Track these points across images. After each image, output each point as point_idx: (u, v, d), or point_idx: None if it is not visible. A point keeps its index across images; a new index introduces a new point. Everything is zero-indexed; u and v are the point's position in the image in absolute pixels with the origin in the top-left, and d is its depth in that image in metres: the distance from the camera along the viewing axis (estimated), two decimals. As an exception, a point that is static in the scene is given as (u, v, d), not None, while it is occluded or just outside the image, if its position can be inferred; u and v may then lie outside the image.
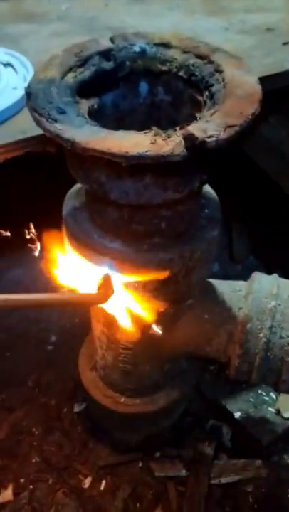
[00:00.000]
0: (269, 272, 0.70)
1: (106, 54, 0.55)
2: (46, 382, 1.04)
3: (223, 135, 0.43)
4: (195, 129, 0.44)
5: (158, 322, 0.61)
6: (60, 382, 1.03)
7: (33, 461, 0.92)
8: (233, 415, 0.95)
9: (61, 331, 1.14)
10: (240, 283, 0.71)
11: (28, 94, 0.47)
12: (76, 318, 1.16)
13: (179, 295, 0.63)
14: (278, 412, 0.94)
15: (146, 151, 0.42)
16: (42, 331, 1.14)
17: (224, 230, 1.26)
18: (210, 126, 0.44)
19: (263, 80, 0.67)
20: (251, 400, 0.97)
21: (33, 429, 0.96)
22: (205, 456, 0.93)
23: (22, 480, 0.89)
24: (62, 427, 0.97)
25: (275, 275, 0.70)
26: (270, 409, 0.95)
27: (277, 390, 0.71)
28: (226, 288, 0.70)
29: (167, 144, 0.43)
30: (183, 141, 0.43)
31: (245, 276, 0.70)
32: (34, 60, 0.73)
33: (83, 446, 0.94)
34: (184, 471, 0.90)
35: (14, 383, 1.03)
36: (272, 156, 1.02)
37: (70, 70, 0.51)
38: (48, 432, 0.96)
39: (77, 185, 0.62)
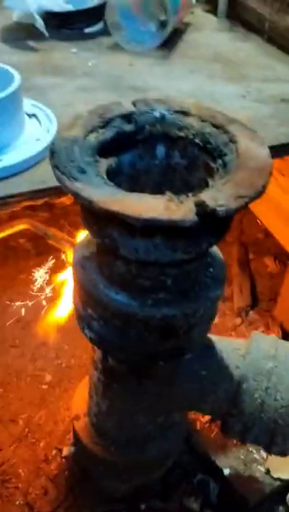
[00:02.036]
0: (268, 327, 0.72)
1: (128, 117, 0.58)
2: (37, 422, 1.03)
3: (233, 205, 0.46)
4: (207, 197, 0.46)
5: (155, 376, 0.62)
6: (51, 423, 1.03)
7: (17, 503, 0.91)
8: (222, 471, 0.94)
9: (57, 370, 1.15)
10: (240, 341, 0.72)
11: (52, 151, 0.49)
12: (73, 359, 1.17)
13: (178, 350, 0.64)
14: (268, 472, 0.93)
15: (159, 215, 0.44)
16: (38, 369, 1.15)
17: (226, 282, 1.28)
18: (221, 195, 0.47)
19: (275, 148, 0.71)
20: (241, 457, 0.97)
21: (20, 471, 0.95)
22: (191, 511, 0.91)
23: (4, 522, 0.88)
24: (50, 471, 0.96)
25: (274, 336, 0.72)
26: (259, 467, 0.94)
27: (269, 452, 0.71)
28: (225, 345, 0.71)
29: (179, 209, 0.45)
30: (194, 208, 0.45)
31: (245, 330, 0.71)
32: (58, 112, 0.76)
33: (69, 493, 0.93)
34: (168, 526, 0.88)
35: (4, 421, 1.03)
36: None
37: (93, 130, 0.54)
38: (34, 474, 0.95)
39: (88, 235, 0.64)
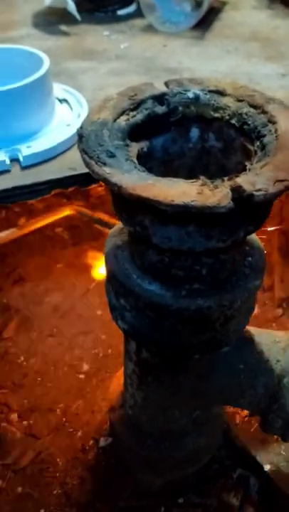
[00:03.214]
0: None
1: (160, 98, 0.55)
2: (74, 412, 1.03)
3: (272, 189, 0.42)
4: (244, 181, 0.43)
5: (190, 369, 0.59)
6: (88, 413, 1.02)
7: (54, 492, 0.91)
8: (263, 467, 0.91)
9: (94, 359, 1.14)
10: (280, 333, 0.69)
11: (80, 135, 0.47)
12: (110, 349, 1.16)
13: (215, 343, 0.61)
14: (310, 469, 0.90)
15: (192, 201, 0.41)
16: (75, 358, 1.14)
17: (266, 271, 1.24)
18: (259, 179, 0.43)
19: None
20: (283, 453, 0.93)
21: (57, 460, 0.95)
22: (230, 507, 0.89)
23: (42, 511, 0.88)
24: (87, 461, 0.95)
25: (317, 329, 0.68)
26: (301, 464, 0.91)
27: (312, 450, 0.68)
28: (264, 338, 0.68)
29: (214, 194, 0.42)
30: (230, 193, 0.42)
31: (285, 320, 0.68)
32: (90, 97, 0.75)
33: (105, 484, 0.92)
34: (207, 520, 0.86)
35: (42, 410, 1.03)
36: None
37: (123, 112, 0.52)
38: (71, 464, 0.95)
39: (120, 224, 0.62)
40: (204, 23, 1.07)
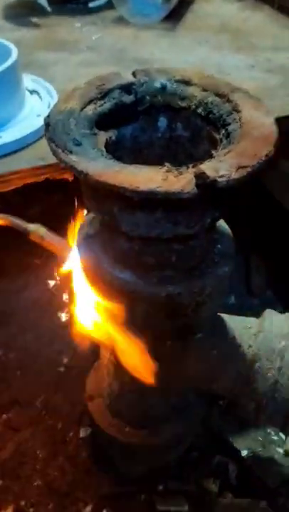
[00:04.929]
0: (286, 307, 0.69)
1: (127, 88, 0.56)
2: (54, 404, 1.03)
3: (235, 175, 0.43)
4: (207, 167, 0.44)
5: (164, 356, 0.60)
6: (68, 405, 1.03)
7: (35, 484, 0.91)
8: (240, 453, 0.93)
9: (74, 352, 1.14)
10: (252, 320, 0.70)
11: (47, 124, 0.48)
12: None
13: (187, 329, 0.62)
14: (287, 454, 0.92)
15: (157, 187, 0.42)
16: (55, 352, 1.14)
17: (242, 262, 1.25)
18: (222, 165, 0.44)
19: (284, 120, 0.67)
20: (260, 438, 0.95)
21: (38, 452, 0.95)
22: (209, 492, 0.90)
23: (23, 502, 0.88)
24: (67, 452, 0.96)
25: (287, 314, 0.69)
26: (278, 449, 0.93)
27: (285, 432, 0.69)
28: (237, 324, 0.69)
29: (178, 180, 0.43)
30: (194, 179, 0.43)
31: (261, 310, 0.69)
32: (61, 87, 0.75)
33: (86, 473, 0.93)
34: (186, 506, 0.88)
35: (22, 403, 1.03)
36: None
37: (90, 102, 0.53)
38: (52, 455, 0.95)
39: (92, 214, 0.62)
40: (176, 14, 1.07)
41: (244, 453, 0.92)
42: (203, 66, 0.88)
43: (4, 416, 1.00)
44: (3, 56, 0.64)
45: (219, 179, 0.43)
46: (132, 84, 0.56)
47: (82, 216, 0.64)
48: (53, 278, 1.22)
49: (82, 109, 0.51)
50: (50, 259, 1.26)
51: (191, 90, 0.56)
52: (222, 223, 0.63)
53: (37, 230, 0.65)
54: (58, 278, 1.21)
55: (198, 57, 0.92)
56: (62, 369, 1.11)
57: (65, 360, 1.12)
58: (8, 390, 1.04)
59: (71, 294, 0.62)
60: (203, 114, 0.55)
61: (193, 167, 0.45)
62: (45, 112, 0.68)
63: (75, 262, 0.60)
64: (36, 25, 1.03)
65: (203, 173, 0.43)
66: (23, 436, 0.98)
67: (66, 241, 0.63)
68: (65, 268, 0.65)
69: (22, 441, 0.97)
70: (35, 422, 1.00)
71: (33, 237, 0.67)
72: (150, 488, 0.90)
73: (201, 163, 0.45)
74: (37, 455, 0.95)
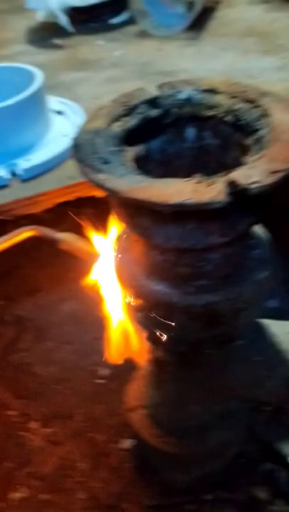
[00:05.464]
0: None
1: (153, 102, 0.56)
2: (95, 416, 1.03)
3: (267, 181, 0.43)
4: (238, 175, 0.44)
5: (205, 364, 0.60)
6: (109, 417, 1.03)
7: (79, 497, 0.91)
8: (287, 460, 0.91)
9: (112, 364, 1.14)
10: (293, 324, 0.69)
11: (75, 145, 0.49)
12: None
13: (227, 337, 0.62)
14: None
15: (187, 199, 0.42)
16: (93, 364, 1.15)
17: (286, 264, 1.23)
18: (254, 172, 0.44)
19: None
20: (308, 444, 0.93)
21: (80, 465, 0.96)
22: (259, 501, 0.89)
23: (66, 516, 0.89)
24: (110, 464, 0.96)
25: None
26: None
27: None
28: (278, 329, 0.68)
29: (209, 191, 0.43)
30: (225, 188, 0.43)
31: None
32: (87, 106, 0.76)
33: (131, 485, 0.92)
34: (236, 515, 0.86)
35: (62, 417, 1.03)
36: None
37: (116, 119, 0.53)
38: (95, 468, 0.95)
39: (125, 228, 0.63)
40: (199, 23, 1.07)
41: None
42: (230, 72, 0.88)
43: (45, 430, 1.01)
44: (29, 81, 0.66)
45: (251, 186, 0.43)
46: (157, 97, 0.57)
47: (115, 230, 0.64)
48: (87, 291, 1.23)
49: (108, 127, 0.52)
50: (84, 273, 1.28)
51: (218, 98, 0.56)
52: (258, 228, 0.62)
53: (66, 238, 0.66)
54: (91, 290, 1.22)
55: (225, 64, 0.92)
56: (101, 381, 1.11)
57: (104, 373, 1.13)
58: (48, 404, 1.05)
59: (104, 305, 0.62)
60: (231, 121, 0.55)
61: (224, 176, 0.45)
62: (72, 132, 0.70)
63: (105, 270, 0.60)
64: (60, 47, 1.05)
65: (234, 181, 0.43)
66: (65, 449, 0.98)
67: (95, 247, 0.64)
68: (94, 275, 0.66)
69: (64, 454, 0.97)
70: (77, 435, 1.00)
71: (62, 246, 0.68)
72: (198, 498, 0.89)
73: (232, 171, 0.45)
74: (80, 468, 0.95)
